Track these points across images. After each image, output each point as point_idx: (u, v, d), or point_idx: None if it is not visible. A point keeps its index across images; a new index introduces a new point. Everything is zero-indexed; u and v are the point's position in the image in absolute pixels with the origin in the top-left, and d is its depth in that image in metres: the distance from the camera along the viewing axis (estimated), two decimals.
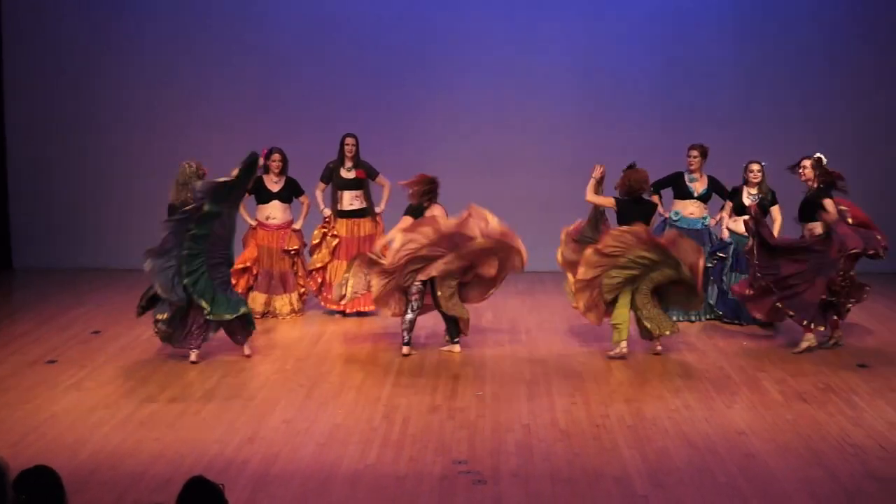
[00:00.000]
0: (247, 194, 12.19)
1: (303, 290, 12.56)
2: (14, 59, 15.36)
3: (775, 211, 11.97)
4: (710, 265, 12.03)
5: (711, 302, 12.16)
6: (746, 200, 11.92)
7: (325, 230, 12.46)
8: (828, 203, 10.59)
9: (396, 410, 8.96)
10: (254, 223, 12.36)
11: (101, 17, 15.35)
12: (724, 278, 12.06)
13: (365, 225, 12.54)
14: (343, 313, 12.48)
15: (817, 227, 10.68)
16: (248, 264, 12.29)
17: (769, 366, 10.38)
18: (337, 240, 12.41)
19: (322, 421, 8.69)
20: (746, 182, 12.01)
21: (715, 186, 12.35)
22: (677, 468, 7.66)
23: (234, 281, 11.93)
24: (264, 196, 12.37)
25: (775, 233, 11.81)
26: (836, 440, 8.20)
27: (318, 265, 12.44)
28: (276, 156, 12.29)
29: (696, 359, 10.66)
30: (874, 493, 7.20)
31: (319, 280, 12.50)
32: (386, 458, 7.83)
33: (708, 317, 12.26)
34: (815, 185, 10.71)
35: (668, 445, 8.12)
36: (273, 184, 12.36)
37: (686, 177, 12.30)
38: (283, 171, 12.37)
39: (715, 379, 9.92)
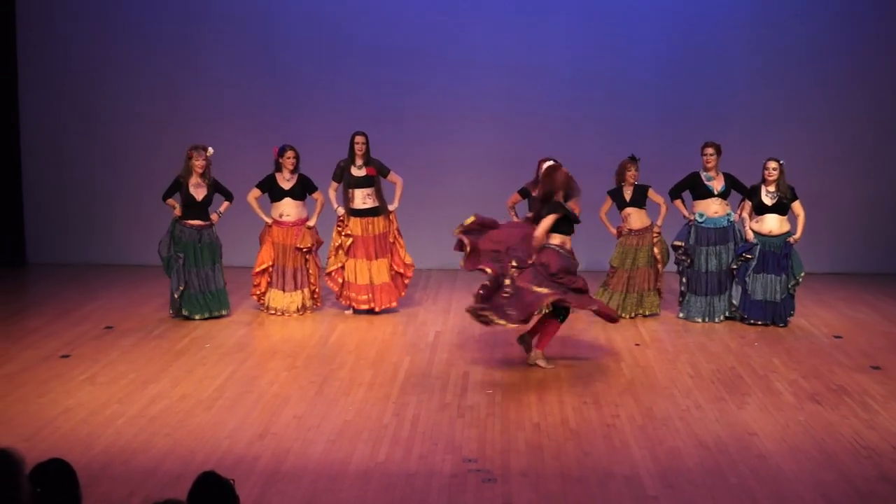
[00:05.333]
0: (260, 192, 12.30)
1: (315, 287, 12.56)
2: (28, 52, 15.33)
3: (797, 206, 11.94)
4: (734, 266, 12.02)
5: (735, 303, 12.11)
6: (766, 199, 11.90)
7: (340, 229, 12.45)
8: None
9: (406, 408, 8.98)
10: (269, 221, 12.37)
11: (114, 9, 15.36)
12: (748, 280, 11.97)
13: (378, 223, 12.50)
14: (372, 311, 12.54)
15: None
16: (266, 265, 12.34)
17: (781, 367, 10.35)
18: (351, 239, 12.40)
19: (332, 418, 8.70)
20: (764, 180, 11.96)
21: (733, 183, 12.21)
22: (688, 469, 7.65)
23: (255, 281, 12.46)
24: (277, 193, 12.35)
25: (799, 228, 11.86)
26: (849, 442, 8.19)
27: (335, 266, 12.45)
28: (290, 153, 12.30)
29: (707, 359, 10.63)
30: (888, 496, 7.19)
31: (340, 280, 12.50)
32: (396, 456, 7.84)
33: (726, 315, 12.23)
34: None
35: (679, 446, 8.11)
36: (285, 181, 12.34)
37: (703, 175, 12.17)
38: (295, 169, 12.38)
39: (726, 379, 9.91)
